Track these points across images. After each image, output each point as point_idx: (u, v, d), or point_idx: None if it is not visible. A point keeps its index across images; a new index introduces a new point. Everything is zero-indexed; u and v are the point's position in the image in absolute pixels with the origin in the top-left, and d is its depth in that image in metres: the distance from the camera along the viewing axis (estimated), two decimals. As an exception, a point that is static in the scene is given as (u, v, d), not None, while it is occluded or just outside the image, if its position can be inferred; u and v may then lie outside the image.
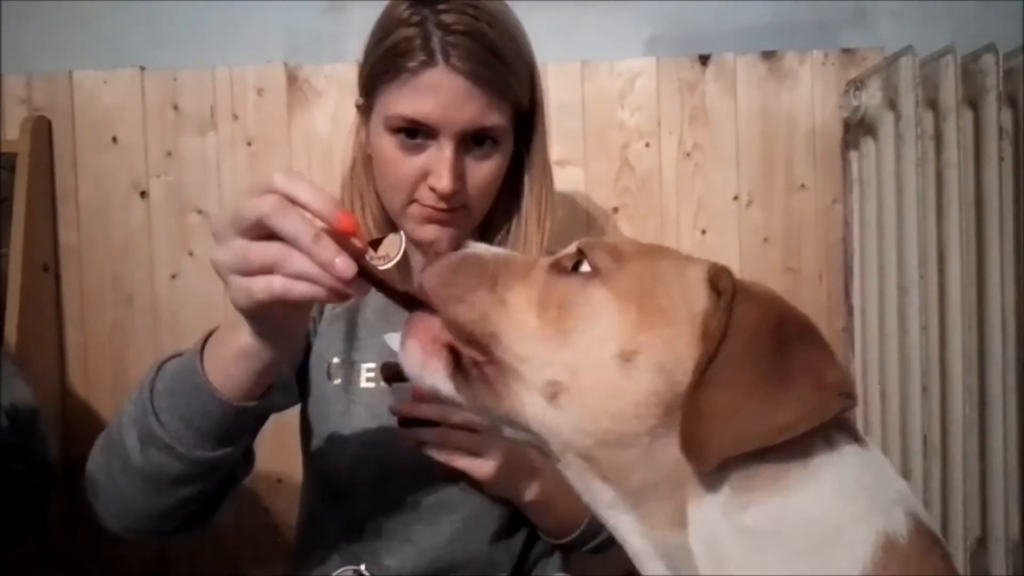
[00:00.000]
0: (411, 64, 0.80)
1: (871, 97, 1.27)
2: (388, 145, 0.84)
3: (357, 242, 0.57)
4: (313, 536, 0.93)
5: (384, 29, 0.83)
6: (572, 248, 0.53)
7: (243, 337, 0.62)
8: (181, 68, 1.38)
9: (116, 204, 1.38)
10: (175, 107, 1.38)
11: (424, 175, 0.84)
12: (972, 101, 1.18)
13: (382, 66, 0.83)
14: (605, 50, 1.39)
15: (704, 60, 1.39)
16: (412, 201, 0.86)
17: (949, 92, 1.15)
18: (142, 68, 1.38)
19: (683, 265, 0.50)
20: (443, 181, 0.82)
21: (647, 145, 1.38)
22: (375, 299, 0.94)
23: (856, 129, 1.32)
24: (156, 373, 0.69)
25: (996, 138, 1.14)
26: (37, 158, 1.33)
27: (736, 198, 1.39)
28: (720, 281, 0.48)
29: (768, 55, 1.38)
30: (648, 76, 1.38)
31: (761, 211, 1.39)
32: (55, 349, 1.36)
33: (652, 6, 1.40)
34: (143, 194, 1.38)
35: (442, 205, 0.84)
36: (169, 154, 1.38)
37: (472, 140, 0.83)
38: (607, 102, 1.38)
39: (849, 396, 0.45)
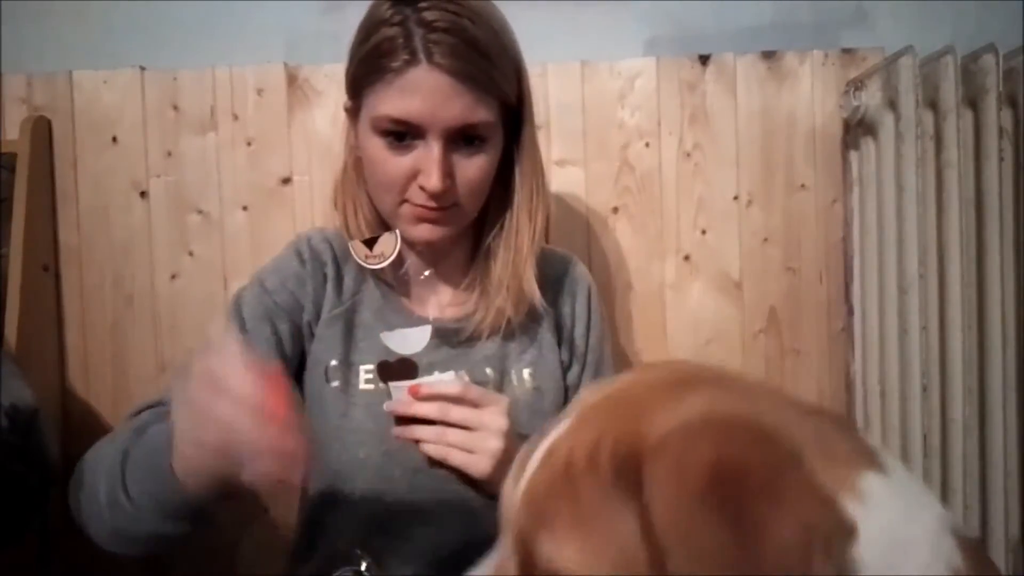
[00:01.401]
0: (394, 64, 0.80)
1: (871, 97, 1.27)
2: (376, 146, 0.84)
3: None
4: (313, 536, 0.93)
5: (367, 30, 0.83)
6: None
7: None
8: (181, 68, 1.38)
9: (116, 204, 1.38)
10: (175, 107, 1.38)
11: (414, 174, 0.84)
12: (972, 101, 1.18)
13: (366, 67, 0.83)
14: (605, 50, 1.39)
15: (704, 60, 1.39)
16: (403, 201, 0.86)
17: (949, 92, 1.15)
18: (142, 68, 1.38)
19: (592, 500, 0.40)
20: (432, 180, 0.82)
21: (647, 145, 1.38)
22: (372, 301, 0.94)
23: (856, 129, 1.32)
24: (133, 439, 0.72)
25: (996, 138, 1.14)
26: (37, 158, 1.33)
27: (736, 198, 1.39)
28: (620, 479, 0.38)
29: (768, 55, 1.38)
30: (648, 76, 1.38)
31: (761, 211, 1.39)
32: (55, 349, 1.36)
33: (652, 6, 1.40)
34: (143, 194, 1.38)
35: (433, 204, 0.84)
36: (169, 154, 1.38)
37: (460, 138, 0.83)
38: (607, 102, 1.38)
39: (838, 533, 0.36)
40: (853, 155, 1.34)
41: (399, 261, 0.91)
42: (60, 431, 1.34)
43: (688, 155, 1.39)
